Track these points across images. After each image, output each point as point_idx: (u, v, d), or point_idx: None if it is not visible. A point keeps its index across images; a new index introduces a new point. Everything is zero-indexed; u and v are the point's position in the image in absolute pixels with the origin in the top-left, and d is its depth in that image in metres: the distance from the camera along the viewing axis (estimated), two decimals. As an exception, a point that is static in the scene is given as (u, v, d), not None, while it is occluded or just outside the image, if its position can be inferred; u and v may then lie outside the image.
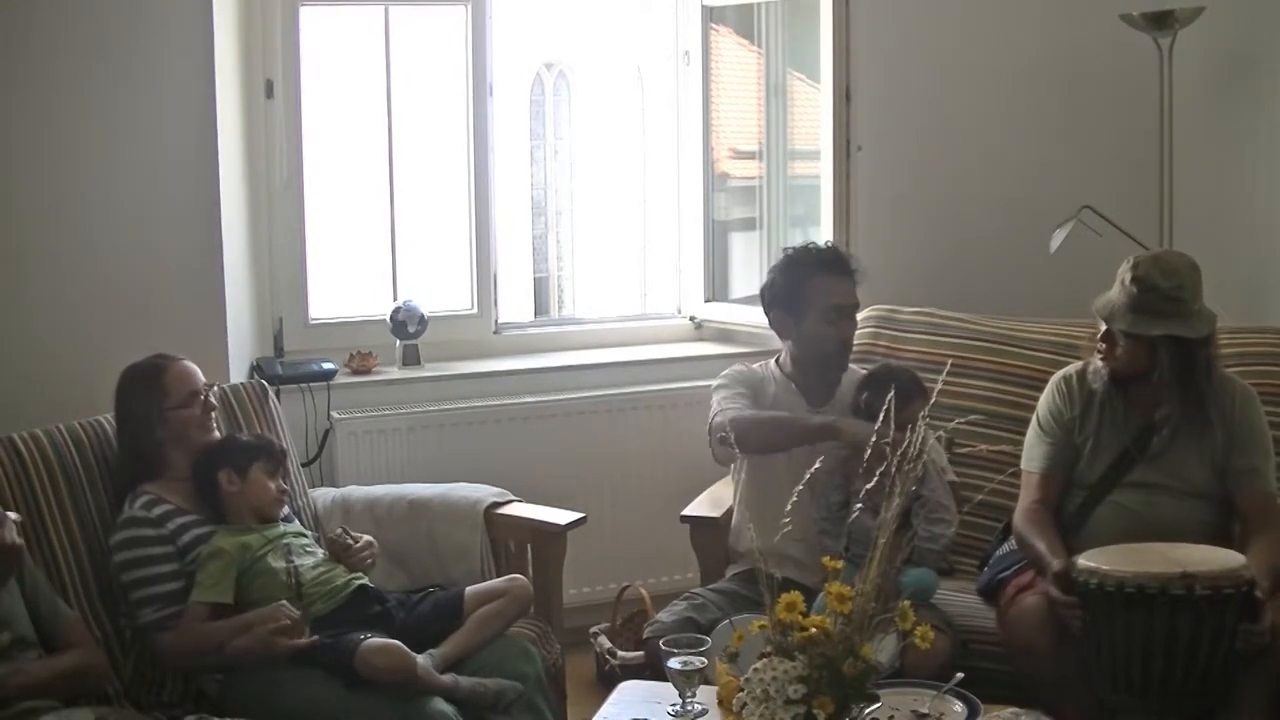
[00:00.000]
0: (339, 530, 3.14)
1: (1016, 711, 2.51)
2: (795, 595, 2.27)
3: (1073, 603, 2.77)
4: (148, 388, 3.02)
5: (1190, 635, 2.63)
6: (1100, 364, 3.05)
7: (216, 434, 3.09)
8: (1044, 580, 2.92)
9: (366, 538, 3.13)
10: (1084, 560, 2.76)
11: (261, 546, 2.95)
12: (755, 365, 3.43)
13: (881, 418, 2.49)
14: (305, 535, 3.13)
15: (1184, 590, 2.62)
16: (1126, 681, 2.71)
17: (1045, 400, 3.20)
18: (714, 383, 3.37)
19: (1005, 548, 3.22)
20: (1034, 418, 3.21)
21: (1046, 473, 3.14)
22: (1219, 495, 3.03)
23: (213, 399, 3.10)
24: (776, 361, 3.39)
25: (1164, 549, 2.78)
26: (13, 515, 2.59)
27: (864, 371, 3.33)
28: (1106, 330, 3.02)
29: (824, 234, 4.22)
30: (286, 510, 3.15)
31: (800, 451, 3.21)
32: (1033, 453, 3.18)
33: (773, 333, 3.39)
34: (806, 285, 3.26)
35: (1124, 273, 3.01)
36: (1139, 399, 3.07)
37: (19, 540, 2.52)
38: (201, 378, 3.09)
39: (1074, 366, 3.20)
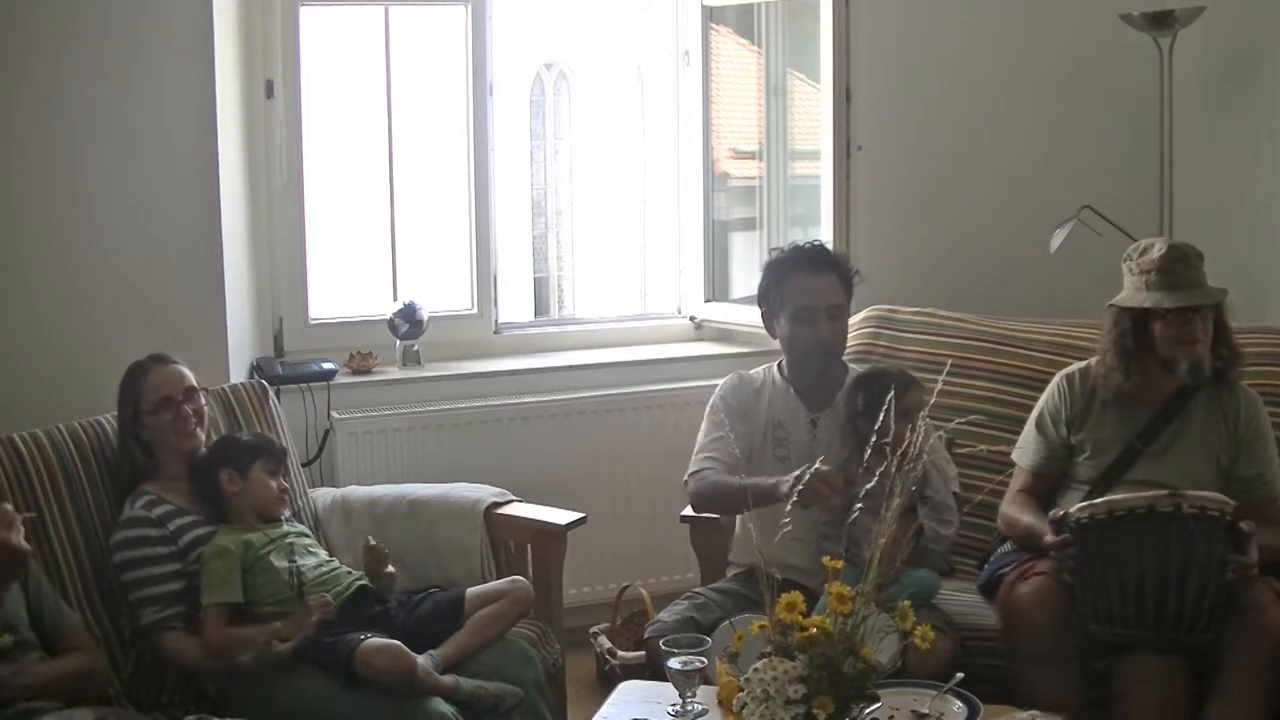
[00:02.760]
0: (374, 542, 3.12)
1: (1034, 714, 2.51)
2: (795, 595, 2.27)
3: (1066, 542, 2.85)
4: (129, 389, 3.03)
5: (1180, 556, 2.74)
6: (1199, 355, 3.02)
7: (196, 441, 3.05)
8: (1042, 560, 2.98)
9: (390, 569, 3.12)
10: (1076, 507, 2.87)
11: (264, 545, 2.95)
12: (756, 370, 3.41)
13: (881, 417, 2.49)
14: (308, 535, 3.13)
15: (1171, 507, 2.75)
16: (1122, 612, 2.80)
17: (1045, 397, 3.25)
18: (710, 399, 3.38)
19: (1005, 546, 3.23)
20: (1033, 413, 3.26)
21: (1035, 469, 3.22)
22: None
23: (188, 409, 3.02)
24: (779, 365, 3.39)
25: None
26: (23, 515, 2.59)
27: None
28: (1196, 318, 3.00)
29: (824, 234, 4.22)
30: (287, 512, 3.15)
31: (802, 458, 3.22)
32: (1025, 448, 3.25)
33: (773, 333, 3.40)
34: (783, 285, 3.25)
35: (1154, 261, 3.03)
36: (1149, 392, 3.09)
37: (26, 545, 2.52)
38: (183, 384, 3.04)
39: (1078, 365, 3.24)
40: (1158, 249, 3.06)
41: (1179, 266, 3.02)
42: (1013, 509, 3.18)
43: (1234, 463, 3.06)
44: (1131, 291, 3.09)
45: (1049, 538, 2.92)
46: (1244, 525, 2.79)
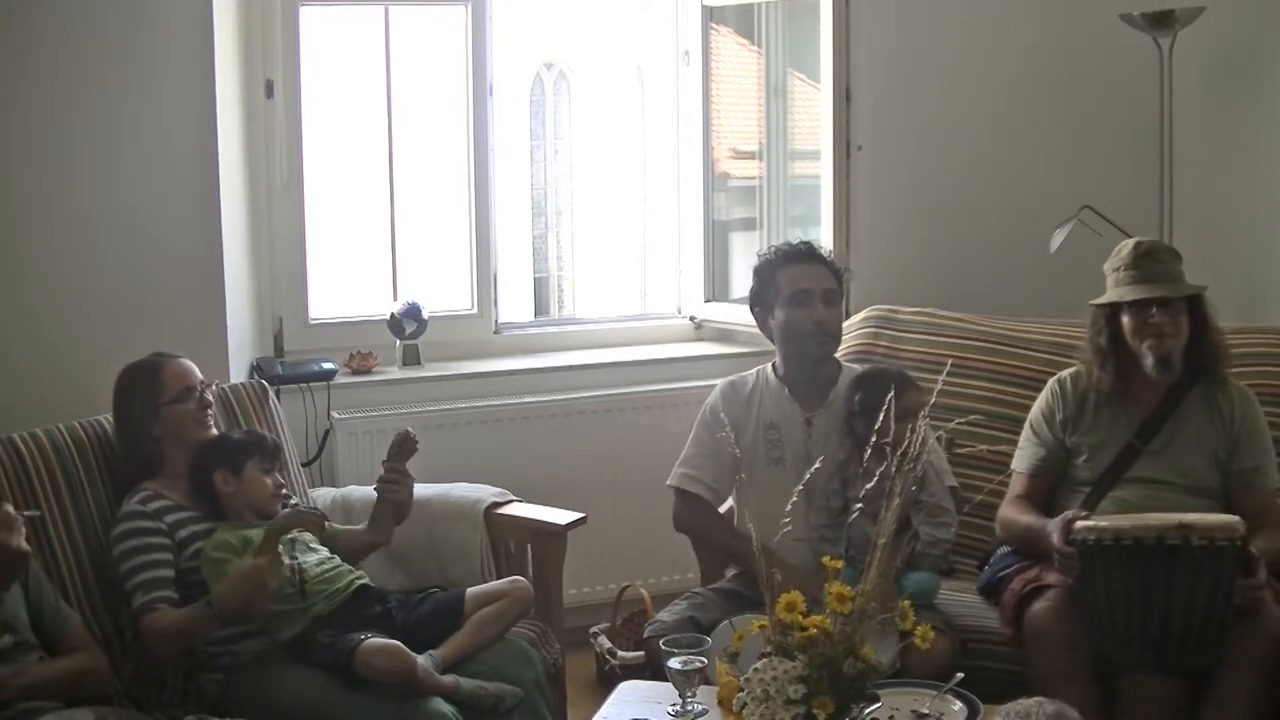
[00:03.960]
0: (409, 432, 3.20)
1: (1041, 700, 2.50)
2: (795, 595, 2.27)
3: (1071, 553, 2.83)
4: (144, 384, 3.03)
5: (1187, 587, 2.70)
6: (1167, 348, 3.03)
7: (212, 431, 3.09)
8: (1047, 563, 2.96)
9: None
10: (1083, 522, 2.83)
11: (264, 542, 2.95)
12: (749, 373, 3.41)
13: (881, 418, 2.49)
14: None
15: (1180, 540, 2.70)
16: (1126, 636, 2.78)
17: (1038, 402, 3.26)
18: (704, 405, 3.39)
19: (1006, 547, 3.23)
20: (1028, 418, 3.26)
21: (1032, 474, 3.21)
22: (1222, 491, 3.07)
23: (209, 397, 3.10)
24: (773, 365, 3.39)
25: (1162, 514, 2.84)
26: (28, 512, 2.59)
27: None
28: (1155, 314, 3.02)
29: (824, 234, 4.23)
30: (295, 499, 3.15)
31: (797, 458, 3.22)
32: (1021, 453, 3.25)
33: (771, 333, 3.40)
34: (775, 277, 3.29)
35: (1124, 258, 3.08)
36: (1140, 391, 3.11)
37: (26, 546, 2.51)
38: (198, 375, 3.09)
39: (1070, 370, 3.24)
40: (1128, 247, 3.11)
41: (1145, 261, 3.06)
42: (1010, 511, 3.18)
43: (1231, 457, 3.08)
44: (1107, 291, 3.13)
45: (1056, 538, 2.88)
46: (1253, 548, 2.76)
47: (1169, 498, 3.02)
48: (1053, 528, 2.92)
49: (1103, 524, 2.80)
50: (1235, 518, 2.79)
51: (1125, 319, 3.07)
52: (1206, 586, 2.71)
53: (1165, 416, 3.10)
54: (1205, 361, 3.09)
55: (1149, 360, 3.04)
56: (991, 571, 3.22)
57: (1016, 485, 3.23)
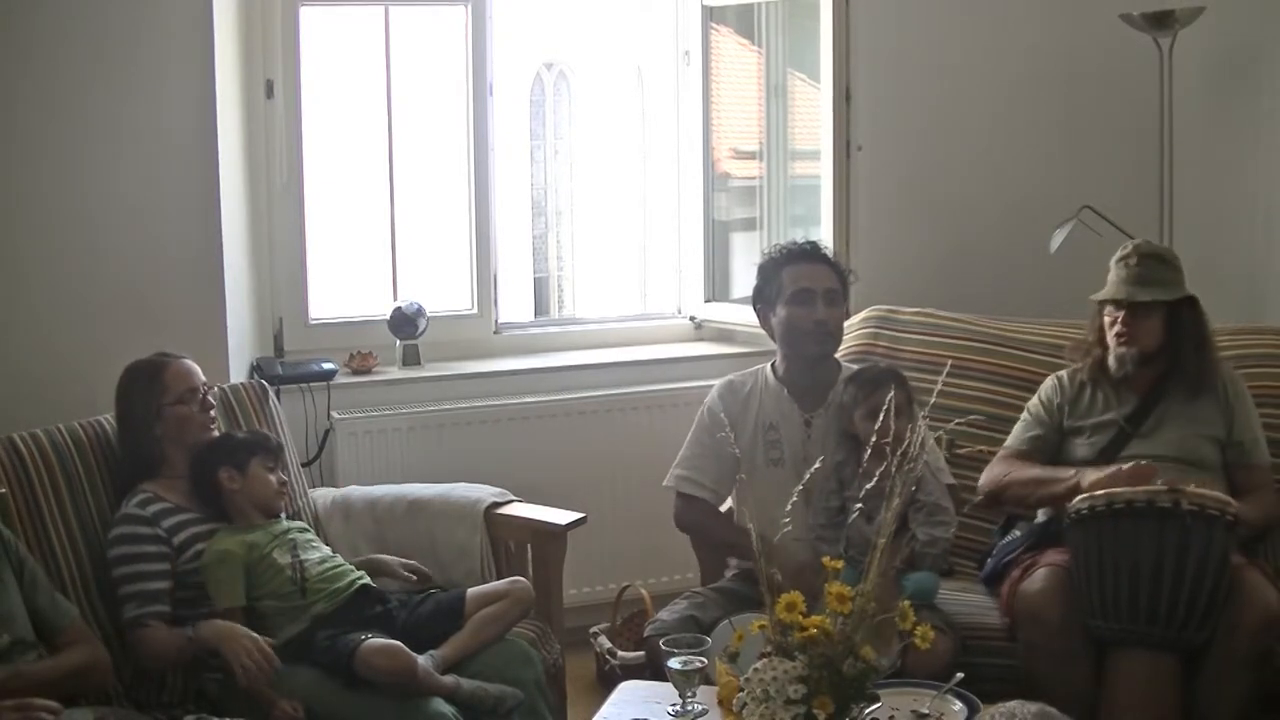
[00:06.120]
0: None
1: (1022, 703, 2.50)
2: (795, 595, 2.27)
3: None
4: (147, 384, 3.03)
5: (1176, 552, 2.76)
6: (1124, 349, 3.13)
7: (214, 433, 3.09)
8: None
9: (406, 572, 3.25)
10: (1079, 496, 2.91)
11: (268, 543, 2.94)
12: (746, 373, 3.41)
13: (881, 418, 2.49)
14: (309, 531, 3.13)
15: (1170, 504, 2.78)
16: (1115, 607, 2.82)
17: (1039, 392, 3.33)
18: (701, 406, 3.39)
19: (1009, 536, 3.24)
20: (1026, 407, 3.33)
21: (1021, 453, 3.25)
22: (1220, 465, 3.12)
23: (211, 399, 3.10)
24: (772, 366, 3.39)
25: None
26: None
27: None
28: (1124, 314, 3.11)
29: (824, 234, 4.23)
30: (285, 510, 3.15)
31: (796, 458, 3.22)
32: (1015, 435, 3.30)
33: (771, 333, 3.40)
34: (779, 276, 3.30)
35: (1125, 255, 3.16)
36: (1132, 379, 3.17)
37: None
38: (201, 377, 3.09)
39: (1070, 368, 3.30)
40: (1129, 246, 3.18)
41: (1131, 262, 3.13)
42: (1007, 467, 3.23)
43: (1229, 431, 3.13)
44: None
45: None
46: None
47: (1167, 471, 3.02)
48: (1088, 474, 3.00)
49: (1097, 492, 2.88)
50: (1228, 497, 2.85)
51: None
52: (1196, 554, 2.76)
53: (1153, 404, 3.16)
54: (1192, 370, 3.14)
55: (1110, 357, 3.15)
56: (996, 561, 3.23)
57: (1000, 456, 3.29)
